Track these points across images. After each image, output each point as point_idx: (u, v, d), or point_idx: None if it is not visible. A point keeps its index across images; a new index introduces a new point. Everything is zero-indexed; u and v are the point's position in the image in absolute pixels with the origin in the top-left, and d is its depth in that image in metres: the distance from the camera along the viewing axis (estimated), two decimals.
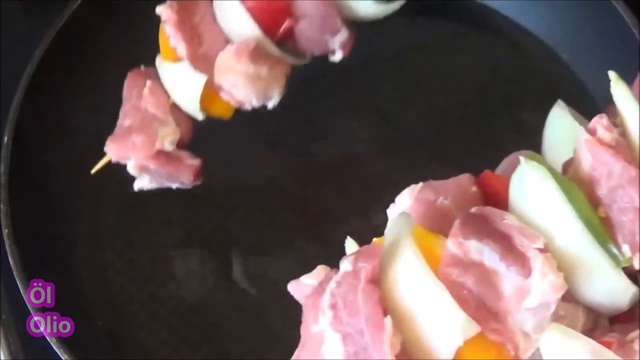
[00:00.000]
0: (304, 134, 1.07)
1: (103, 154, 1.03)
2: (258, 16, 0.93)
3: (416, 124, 1.07)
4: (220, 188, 1.03)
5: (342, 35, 0.97)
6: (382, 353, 0.69)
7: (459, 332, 0.69)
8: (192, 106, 0.96)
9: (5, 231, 0.92)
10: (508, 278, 0.72)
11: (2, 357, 0.97)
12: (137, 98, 0.98)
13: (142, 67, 1.02)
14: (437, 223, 0.78)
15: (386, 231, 0.76)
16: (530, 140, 1.05)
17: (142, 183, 0.99)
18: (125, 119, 0.99)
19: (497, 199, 0.80)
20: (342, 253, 0.78)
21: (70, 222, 1.02)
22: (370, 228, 0.99)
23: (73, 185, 1.03)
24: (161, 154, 0.95)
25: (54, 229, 1.00)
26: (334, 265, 0.76)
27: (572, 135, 0.82)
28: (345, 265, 0.74)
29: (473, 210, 0.77)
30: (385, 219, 0.78)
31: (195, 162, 0.96)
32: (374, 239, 0.77)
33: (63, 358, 0.86)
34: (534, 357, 0.73)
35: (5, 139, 0.96)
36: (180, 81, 0.96)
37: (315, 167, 1.06)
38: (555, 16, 1.09)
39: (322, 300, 0.74)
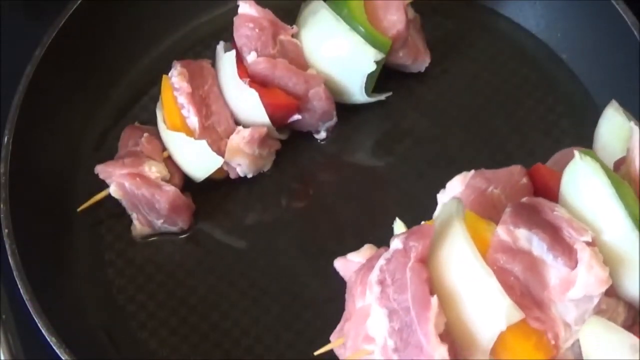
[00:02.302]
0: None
1: (103, 154, 1.03)
2: (271, 110, 0.99)
3: (415, 123, 1.07)
4: (217, 194, 1.04)
5: (333, 122, 1.05)
6: (426, 331, 0.70)
7: (503, 317, 0.70)
8: (199, 176, 1.00)
9: (5, 231, 0.92)
10: (554, 268, 0.73)
11: (2, 357, 0.97)
12: (133, 145, 1.00)
13: (137, 123, 1.05)
14: (486, 211, 0.80)
15: (437, 214, 0.79)
16: (530, 140, 1.05)
17: (137, 228, 1.00)
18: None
19: (547, 191, 0.82)
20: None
21: (70, 222, 1.02)
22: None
23: (73, 185, 1.03)
24: (141, 177, 0.96)
25: (53, 229, 1.00)
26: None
27: (625, 135, 0.83)
28: (395, 243, 0.76)
29: (524, 200, 0.79)
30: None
31: (170, 189, 0.97)
32: (423, 222, 0.78)
33: (63, 358, 0.86)
34: (573, 348, 0.74)
35: (5, 139, 0.96)
36: (191, 154, 0.99)
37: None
38: (555, 16, 1.09)
39: (371, 275, 0.76)
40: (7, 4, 1.19)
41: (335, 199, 1.03)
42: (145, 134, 1.01)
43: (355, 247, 0.99)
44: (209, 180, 1.01)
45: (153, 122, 1.03)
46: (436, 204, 1.00)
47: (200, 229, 1.02)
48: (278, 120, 1.01)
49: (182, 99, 0.98)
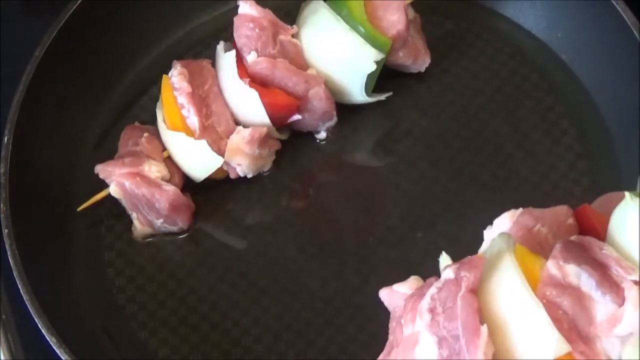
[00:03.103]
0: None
1: (103, 155, 1.03)
2: (271, 110, 0.99)
3: (415, 123, 1.07)
4: (217, 194, 1.04)
5: (333, 122, 1.05)
6: (475, 359, 0.72)
7: (551, 350, 0.72)
8: (199, 176, 1.00)
9: (5, 231, 0.92)
10: (602, 304, 0.75)
11: (2, 357, 0.97)
12: (133, 145, 1.00)
13: (137, 123, 1.04)
14: (533, 248, 0.82)
15: (488, 247, 0.80)
16: (530, 140, 1.05)
17: (138, 228, 1.00)
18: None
19: (593, 232, 0.84)
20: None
21: (70, 222, 1.02)
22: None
23: (73, 185, 1.03)
24: (141, 176, 0.96)
25: (53, 229, 1.00)
26: None
27: None
28: (447, 272, 0.78)
29: (573, 237, 0.81)
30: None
31: (170, 188, 0.97)
32: (470, 256, 0.79)
33: (63, 358, 0.86)
34: None
35: (5, 139, 0.96)
36: (191, 154, 0.99)
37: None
38: (555, 16, 1.09)
39: (422, 303, 0.78)
40: (7, 4, 1.19)
41: (335, 199, 1.03)
42: (145, 134, 1.01)
43: (355, 247, 0.99)
44: (209, 180, 1.01)
45: (153, 122, 1.03)
46: (436, 203, 1.01)
47: (200, 229, 1.02)
48: (278, 120, 1.01)
49: (182, 99, 0.98)
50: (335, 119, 1.05)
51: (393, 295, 0.86)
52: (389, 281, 0.95)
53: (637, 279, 0.75)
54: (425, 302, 0.77)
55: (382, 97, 1.06)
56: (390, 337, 0.84)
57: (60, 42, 1.02)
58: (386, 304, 0.87)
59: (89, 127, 1.08)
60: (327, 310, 0.96)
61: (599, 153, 1.03)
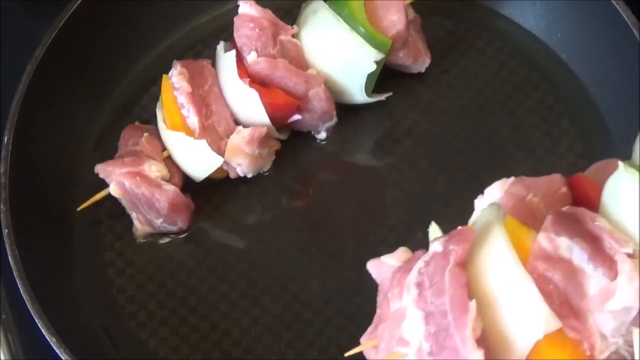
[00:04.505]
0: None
1: (103, 154, 1.03)
2: (271, 110, 0.99)
3: (415, 123, 1.07)
4: (217, 194, 1.04)
5: (333, 122, 1.04)
6: (463, 335, 0.70)
7: (541, 325, 0.70)
8: (199, 176, 1.00)
9: (5, 231, 0.92)
10: (594, 278, 0.73)
11: (2, 357, 0.97)
12: (133, 145, 1.00)
13: (137, 123, 1.05)
14: (525, 218, 0.80)
15: (477, 219, 0.78)
16: (530, 140, 1.05)
17: (138, 228, 1.01)
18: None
19: (586, 202, 0.82)
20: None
21: (70, 222, 1.02)
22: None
23: (73, 184, 1.03)
24: (141, 176, 0.96)
25: (54, 229, 1.00)
26: None
27: None
28: (435, 246, 0.76)
29: (565, 208, 0.79)
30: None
31: (170, 188, 0.97)
32: (459, 227, 0.78)
33: (63, 358, 0.86)
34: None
35: (5, 139, 0.96)
36: (191, 154, 0.99)
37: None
38: (555, 16, 1.09)
39: (409, 278, 0.76)
40: (7, 4, 1.19)
41: (335, 199, 1.03)
42: (145, 134, 1.01)
43: (355, 247, 0.99)
44: (209, 180, 1.01)
45: (153, 121, 1.03)
46: (436, 203, 1.01)
47: (200, 229, 1.02)
48: (278, 120, 1.01)
49: (182, 99, 0.98)
50: (335, 119, 1.05)
51: (381, 268, 0.85)
52: None
53: (631, 252, 0.73)
54: (413, 277, 0.76)
55: (382, 97, 1.06)
56: (378, 311, 0.84)
57: (60, 42, 1.02)
58: (374, 276, 0.86)
59: (89, 127, 1.08)
60: (327, 310, 0.96)
61: (599, 153, 1.02)
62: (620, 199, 0.78)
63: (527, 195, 0.82)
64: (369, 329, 0.83)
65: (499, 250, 0.74)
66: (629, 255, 0.73)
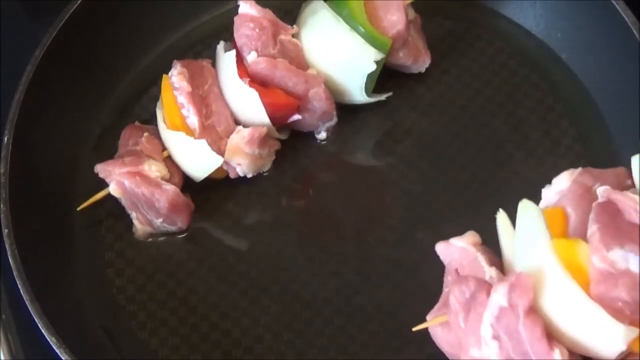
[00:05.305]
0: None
1: (103, 155, 1.03)
2: (271, 110, 0.99)
3: (415, 123, 1.07)
4: (217, 194, 1.04)
5: (333, 122, 1.04)
6: None
7: (621, 341, 0.72)
8: (199, 176, 1.00)
9: (5, 231, 0.92)
10: None
11: (2, 357, 0.97)
12: (133, 145, 1.00)
13: (137, 123, 1.05)
14: (590, 207, 0.80)
15: (524, 261, 0.79)
16: (530, 140, 1.05)
17: (138, 228, 1.01)
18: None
19: None
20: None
21: (70, 222, 1.02)
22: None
23: (73, 184, 1.03)
24: (141, 176, 0.96)
25: (54, 229, 1.00)
26: None
27: None
28: (499, 298, 0.76)
29: (601, 201, 0.78)
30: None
31: (170, 188, 0.97)
32: (517, 273, 0.78)
33: (63, 358, 0.86)
34: None
35: (5, 139, 0.96)
36: (191, 154, 0.99)
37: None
38: (555, 16, 1.09)
39: (483, 331, 0.77)
40: (7, 4, 1.19)
41: (335, 199, 1.03)
42: (145, 134, 1.01)
43: (355, 247, 0.99)
44: (209, 180, 1.01)
45: (153, 122, 1.03)
46: (436, 203, 1.01)
47: (200, 229, 1.02)
48: (278, 120, 1.01)
49: (182, 99, 0.98)
50: (335, 119, 1.05)
51: (449, 249, 0.86)
52: (389, 281, 0.96)
53: None
54: (487, 331, 0.77)
55: (382, 97, 1.06)
56: (445, 289, 0.85)
57: (60, 42, 1.01)
58: (442, 257, 0.87)
59: (89, 127, 1.07)
60: (327, 310, 0.96)
61: (599, 153, 1.03)
62: None
63: (593, 185, 0.82)
64: (436, 307, 0.85)
65: (559, 284, 0.75)
66: None
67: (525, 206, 0.82)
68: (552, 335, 0.75)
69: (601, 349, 0.74)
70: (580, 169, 0.84)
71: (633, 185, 0.83)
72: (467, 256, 0.84)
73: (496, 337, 0.76)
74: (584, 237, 0.79)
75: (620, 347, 0.73)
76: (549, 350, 0.73)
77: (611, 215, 0.77)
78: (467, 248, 0.85)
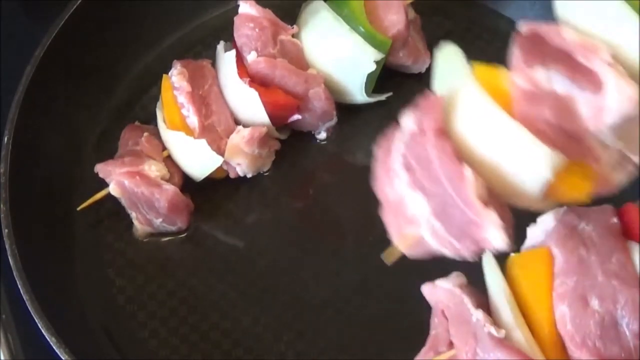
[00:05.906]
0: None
1: (103, 154, 1.03)
2: (271, 109, 0.99)
3: None
4: (217, 194, 1.04)
5: (333, 122, 1.04)
6: (469, 204, 0.68)
7: (547, 167, 0.67)
8: (199, 176, 1.00)
9: (5, 231, 0.92)
10: (583, 99, 0.68)
11: (2, 357, 0.97)
12: (133, 145, 1.00)
13: (137, 123, 1.05)
14: (577, 246, 0.79)
15: (439, 81, 0.75)
16: None
17: (138, 228, 1.01)
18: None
19: (637, 231, 0.81)
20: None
21: (70, 221, 1.02)
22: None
23: (73, 184, 1.03)
24: (141, 175, 0.96)
25: (54, 229, 1.00)
26: None
27: None
28: (408, 124, 0.72)
29: (525, 31, 0.71)
30: None
31: (170, 188, 0.97)
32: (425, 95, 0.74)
33: (63, 358, 0.86)
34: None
35: (5, 139, 0.96)
36: (191, 154, 0.99)
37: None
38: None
39: (393, 163, 0.73)
40: (7, 4, 1.19)
41: (335, 199, 1.03)
42: (145, 134, 1.01)
43: (355, 247, 0.99)
44: (209, 180, 1.01)
45: (153, 121, 1.03)
46: None
47: (199, 229, 1.02)
48: (278, 120, 1.01)
49: (182, 98, 0.98)
50: (335, 119, 1.05)
51: (435, 291, 0.84)
52: (389, 281, 0.96)
53: (610, 59, 0.66)
54: (397, 162, 0.73)
55: (382, 97, 1.06)
56: (432, 332, 0.83)
57: (60, 42, 1.02)
58: (428, 299, 0.85)
59: (89, 127, 1.08)
60: (327, 311, 0.96)
61: None
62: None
63: (579, 224, 0.81)
64: (423, 350, 0.82)
65: (476, 105, 0.69)
66: (608, 64, 0.66)
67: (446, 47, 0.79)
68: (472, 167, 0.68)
69: (524, 176, 0.68)
70: (565, 207, 0.81)
71: (617, 222, 0.81)
72: (453, 298, 0.82)
73: (407, 167, 0.72)
74: (569, 278, 0.77)
75: (545, 173, 0.67)
76: (459, 167, 0.68)
77: (534, 42, 0.71)
78: (453, 290, 0.82)
